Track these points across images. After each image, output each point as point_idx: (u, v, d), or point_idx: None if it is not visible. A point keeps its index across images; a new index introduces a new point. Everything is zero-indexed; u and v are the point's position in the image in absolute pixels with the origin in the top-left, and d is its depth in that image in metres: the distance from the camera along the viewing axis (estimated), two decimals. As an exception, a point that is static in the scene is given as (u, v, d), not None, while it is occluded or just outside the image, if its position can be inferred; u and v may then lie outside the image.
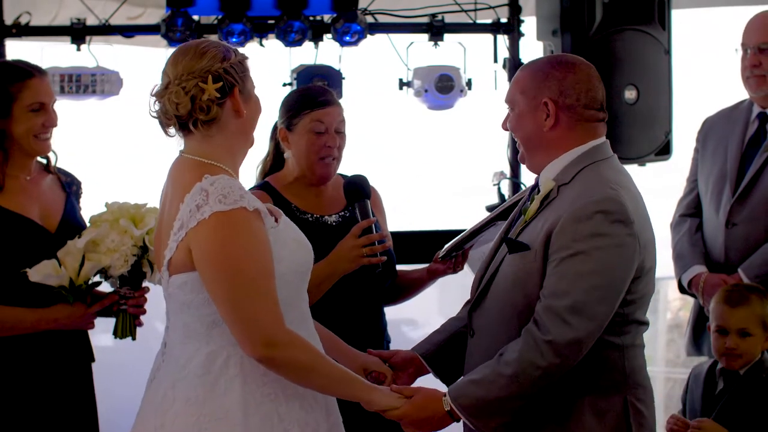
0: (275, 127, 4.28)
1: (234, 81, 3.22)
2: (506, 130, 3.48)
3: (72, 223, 3.98)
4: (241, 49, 3.32)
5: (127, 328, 3.95)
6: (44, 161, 4.07)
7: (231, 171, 3.24)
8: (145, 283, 3.97)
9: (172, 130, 3.27)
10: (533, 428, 3.31)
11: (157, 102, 3.25)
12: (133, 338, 3.97)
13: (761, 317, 4.28)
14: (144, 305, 3.97)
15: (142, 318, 4.00)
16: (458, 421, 3.28)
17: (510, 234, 3.42)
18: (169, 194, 3.27)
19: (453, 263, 4.19)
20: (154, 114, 3.27)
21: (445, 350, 3.61)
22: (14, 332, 3.84)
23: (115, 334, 3.96)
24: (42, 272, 3.79)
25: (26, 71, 3.95)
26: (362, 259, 3.98)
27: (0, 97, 3.89)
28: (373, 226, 4.03)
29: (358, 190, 4.11)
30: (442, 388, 3.39)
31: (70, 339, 3.97)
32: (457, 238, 4.04)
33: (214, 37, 5.72)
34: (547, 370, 3.19)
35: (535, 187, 3.44)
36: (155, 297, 4.05)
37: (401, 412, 3.27)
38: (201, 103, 3.19)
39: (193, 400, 3.17)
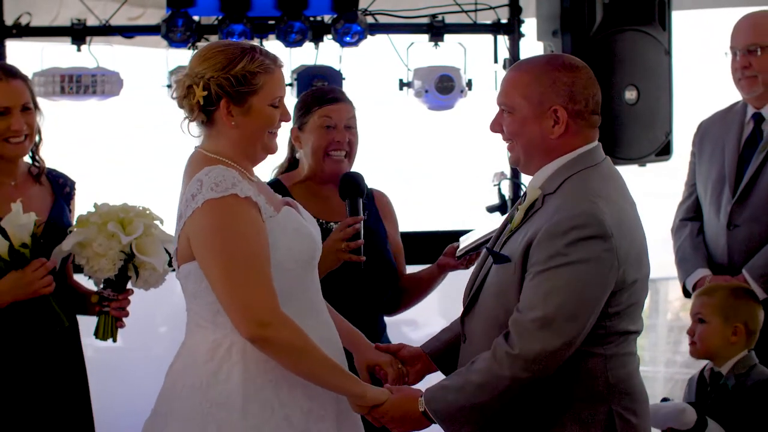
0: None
1: (223, 93, 3.24)
2: (496, 132, 3.36)
3: (58, 226, 3.95)
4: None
5: (108, 329, 3.93)
6: (36, 167, 4.03)
7: (237, 166, 3.28)
8: (128, 286, 3.94)
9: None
10: None
11: None
12: (114, 340, 3.95)
13: (722, 308, 4.29)
14: (126, 308, 3.95)
15: (126, 320, 3.95)
16: (434, 422, 3.26)
17: (496, 243, 3.36)
18: (181, 188, 3.33)
19: (467, 260, 4.16)
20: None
21: (453, 349, 3.52)
22: None
23: (96, 335, 3.94)
24: None
25: None
26: (343, 254, 3.97)
27: None
28: (361, 224, 4.01)
29: (352, 184, 4.09)
30: None
31: (59, 339, 3.94)
32: (476, 238, 4.02)
33: (214, 38, 5.73)
34: (514, 382, 3.15)
35: (524, 195, 3.36)
36: (156, 299, 4.05)
37: (383, 408, 3.29)
38: (190, 104, 3.27)
39: (198, 386, 3.25)
